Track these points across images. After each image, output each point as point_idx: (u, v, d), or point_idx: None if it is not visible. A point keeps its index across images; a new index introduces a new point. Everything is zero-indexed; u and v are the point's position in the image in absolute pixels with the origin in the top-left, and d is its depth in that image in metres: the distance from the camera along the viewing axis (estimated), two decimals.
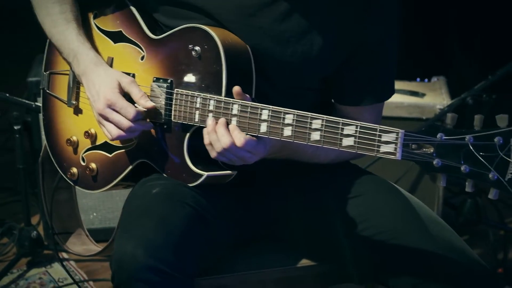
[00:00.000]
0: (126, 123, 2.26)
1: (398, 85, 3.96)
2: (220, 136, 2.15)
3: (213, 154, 2.19)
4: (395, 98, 3.81)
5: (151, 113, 2.31)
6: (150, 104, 2.27)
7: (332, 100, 2.47)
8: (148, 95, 2.32)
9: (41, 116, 3.40)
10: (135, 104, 2.28)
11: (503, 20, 4.98)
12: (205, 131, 2.19)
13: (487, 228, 4.08)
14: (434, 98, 3.96)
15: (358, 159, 2.59)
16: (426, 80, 4.27)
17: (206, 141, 2.19)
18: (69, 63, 2.44)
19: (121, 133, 2.28)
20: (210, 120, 2.18)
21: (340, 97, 2.43)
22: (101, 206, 3.92)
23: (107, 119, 2.29)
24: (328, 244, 2.38)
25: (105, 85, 2.30)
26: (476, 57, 5.04)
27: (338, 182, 2.43)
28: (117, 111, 2.27)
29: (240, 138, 2.12)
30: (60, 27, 2.43)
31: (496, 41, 4.99)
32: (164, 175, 2.34)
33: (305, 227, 2.41)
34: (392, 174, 3.72)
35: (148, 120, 2.31)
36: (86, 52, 2.39)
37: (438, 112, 3.80)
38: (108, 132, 2.30)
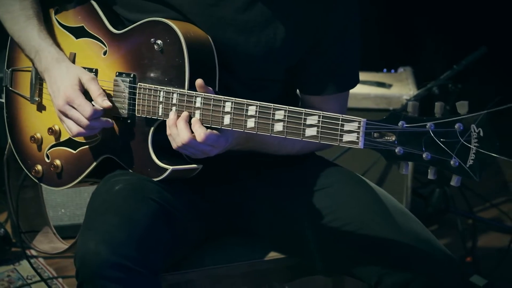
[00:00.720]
0: (84, 121, 2.25)
1: (365, 76, 4.00)
2: (180, 130, 2.15)
3: (174, 146, 2.19)
4: (362, 89, 3.87)
5: (113, 108, 2.30)
6: (106, 103, 2.27)
7: (297, 91, 2.47)
8: (111, 90, 2.32)
9: (4, 113, 3.38)
10: (93, 102, 2.28)
11: (468, 10, 5.02)
12: (167, 123, 2.19)
13: (455, 217, 4.10)
14: (400, 88, 3.98)
15: (326, 151, 2.59)
16: (392, 71, 4.29)
17: (167, 132, 2.19)
18: (31, 60, 2.42)
19: (81, 130, 2.28)
20: (172, 114, 2.18)
21: (304, 86, 2.43)
22: (70, 202, 3.90)
23: (66, 115, 2.29)
24: (295, 237, 2.37)
25: (66, 81, 2.29)
26: (442, 47, 5.08)
27: (304, 175, 2.43)
28: (75, 108, 2.26)
29: (200, 134, 2.12)
30: (21, 24, 2.42)
31: (461, 30, 5.03)
32: (129, 170, 2.33)
33: (271, 220, 2.41)
34: (360, 166, 3.74)
35: (108, 119, 2.30)
36: (48, 48, 2.37)
37: (405, 103, 3.82)
38: (68, 129, 2.30)
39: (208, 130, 2.14)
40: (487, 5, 4.91)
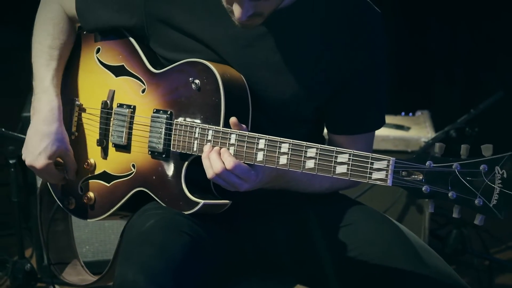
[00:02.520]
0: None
1: None
2: (213, 161, 2.25)
3: (208, 176, 2.28)
4: (382, 131, 3.93)
5: (150, 142, 2.42)
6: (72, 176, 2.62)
7: (325, 131, 2.56)
8: (148, 125, 2.43)
9: None
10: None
11: (486, 55, 5.12)
12: (202, 155, 2.29)
13: (472, 258, 4.17)
14: (418, 131, 4.07)
15: (347, 190, 2.66)
16: (410, 114, 4.39)
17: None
18: (33, 92, 2.60)
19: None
20: (206, 147, 2.28)
21: (332, 126, 2.52)
22: (94, 239, 3.97)
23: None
24: (320, 273, 2.44)
25: (46, 150, 2.54)
26: (458, 91, 5.17)
27: (328, 212, 2.51)
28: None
29: (230, 161, 2.22)
30: (43, 60, 2.58)
31: (479, 75, 5.13)
32: (162, 203, 2.42)
33: (296, 256, 2.48)
34: (379, 206, 3.78)
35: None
36: (51, 98, 2.56)
37: (423, 145, 3.90)
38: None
39: (237, 160, 2.23)
40: (504, 50, 5.00)
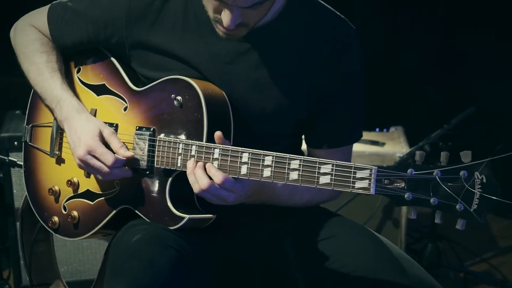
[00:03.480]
0: (106, 169, 2.39)
1: None
2: (198, 178, 2.28)
3: (195, 191, 2.32)
4: (357, 147, 4.00)
5: (133, 160, 2.43)
6: (129, 153, 2.41)
7: (305, 145, 2.61)
8: (131, 143, 2.45)
9: (14, 171, 3.48)
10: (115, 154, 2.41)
11: (455, 71, 5.22)
12: (187, 171, 2.32)
13: (448, 271, 4.23)
14: (393, 146, 4.14)
15: (327, 204, 2.70)
16: (384, 130, 4.45)
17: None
18: (51, 110, 2.56)
19: (101, 178, 2.43)
20: (190, 163, 2.31)
21: (312, 141, 2.58)
22: (72, 259, 3.96)
23: (88, 165, 2.41)
24: (303, 285, 2.47)
25: (86, 132, 2.43)
26: (432, 107, 5.25)
27: (311, 225, 2.55)
28: (97, 158, 2.39)
29: (218, 176, 2.26)
30: (46, 75, 2.57)
31: (451, 91, 5.22)
32: (147, 219, 2.44)
33: (280, 269, 2.51)
34: (355, 220, 3.84)
35: (128, 167, 2.43)
36: (69, 99, 2.52)
37: (398, 160, 3.96)
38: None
39: (225, 174, 2.27)
40: (476, 66, 5.10)
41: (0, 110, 3.99)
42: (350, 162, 2.54)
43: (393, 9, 5.25)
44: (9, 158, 3.43)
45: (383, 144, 4.14)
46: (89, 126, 2.44)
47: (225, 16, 2.24)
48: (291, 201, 2.52)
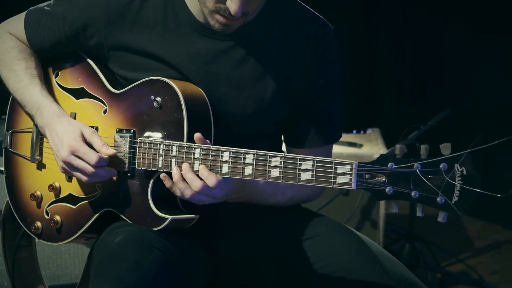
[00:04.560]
0: (90, 169, 2.38)
1: None
2: (191, 181, 2.29)
3: (186, 197, 2.33)
4: (335, 149, 3.98)
5: (115, 162, 2.44)
6: (111, 151, 2.40)
7: (284, 145, 2.63)
8: (111, 146, 2.45)
9: (4, 174, 3.45)
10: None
11: (430, 73, 5.27)
12: (174, 179, 2.32)
13: (426, 272, 4.27)
14: (371, 148, 4.18)
15: (307, 204, 2.72)
16: (362, 132, 4.48)
17: (177, 193, 2.33)
18: (32, 116, 2.55)
19: (87, 179, 2.41)
20: (175, 170, 2.31)
21: (292, 140, 2.59)
22: (51, 263, 3.93)
23: (71, 166, 2.41)
24: (287, 285, 2.49)
25: (68, 134, 2.42)
26: (407, 108, 5.30)
27: (293, 226, 2.56)
28: (80, 158, 2.39)
29: (212, 179, 2.27)
30: (25, 81, 2.56)
31: (427, 92, 5.28)
32: (129, 221, 2.44)
33: (264, 269, 2.53)
34: None
35: (112, 168, 2.43)
36: (49, 104, 2.51)
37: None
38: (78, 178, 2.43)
39: (217, 175, 2.28)
40: (450, 67, 5.16)
41: None
42: None
43: (367, 13, 5.29)
44: None
45: (361, 145, 4.19)
46: (70, 128, 2.44)
47: (234, 3, 2.24)
48: (272, 199, 2.53)
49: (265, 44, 2.45)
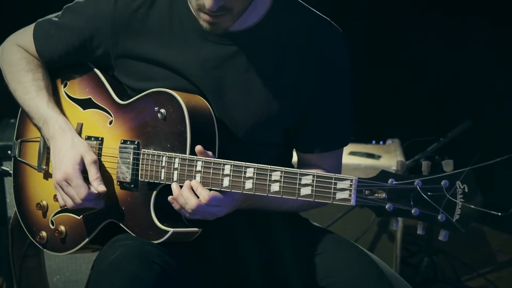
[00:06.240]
0: (78, 200, 2.41)
1: (355, 147, 4.14)
2: (187, 199, 2.28)
3: (186, 215, 2.33)
4: (353, 160, 4.00)
5: (118, 173, 2.43)
6: (102, 188, 2.41)
7: (294, 150, 2.60)
8: (116, 157, 2.44)
9: (7, 180, 3.47)
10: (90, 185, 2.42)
11: (455, 84, 5.22)
12: (174, 196, 2.31)
13: (444, 286, 4.20)
14: (389, 159, 4.11)
15: (318, 219, 2.68)
16: (381, 142, 4.43)
17: (176, 207, 2.32)
18: (39, 128, 2.56)
19: (72, 205, 2.44)
20: (174, 186, 2.31)
21: (301, 146, 2.56)
22: (65, 268, 3.92)
23: (61, 190, 2.44)
24: None
25: (68, 158, 2.44)
26: (429, 120, 5.24)
27: (300, 241, 2.52)
28: (72, 186, 2.41)
29: (204, 196, 2.26)
30: (32, 93, 2.57)
31: (448, 103, 5.22)
32: (132, 233, 2.43)
33: (267, 285, 2.50)
34: (350, 234, 3.84)
35: (100, 201, 2.45)
36: (55, 117, 2.52)
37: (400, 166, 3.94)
38: (62, 200, 2.45)
39: (211, 191, 2.26)
40: (471, 79, 5.10)
41: None
42: (340, 164, 2.59)
43: (393, 25, 5.25)
44: (2, 167, 3.43)
45: (379, 157, 4.13)
46: (72, 152, 2.45)
47: None
48: (284, 205, 2.50)
49: (272, 48, 2.42)
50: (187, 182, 2.29)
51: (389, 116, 5.25)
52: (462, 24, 5.10)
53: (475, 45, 5.07)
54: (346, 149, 3.52)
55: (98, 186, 2.40)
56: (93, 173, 2.42)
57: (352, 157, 2.59)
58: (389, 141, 4.45)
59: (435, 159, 4.00)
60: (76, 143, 2.47)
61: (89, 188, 2.40)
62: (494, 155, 3.07)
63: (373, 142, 4.43)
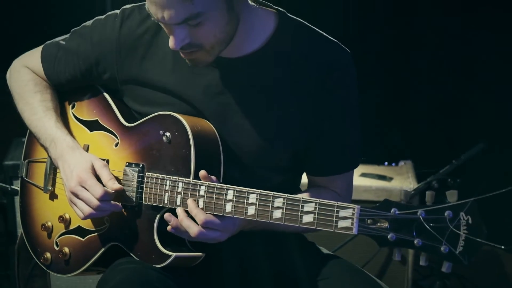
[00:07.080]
0: (95, 201, 2.37)
1: (367, 169, 4.11)
2: (188, 228, 2.27)
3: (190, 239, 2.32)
4: (364, 181, 3.97)
5: (123, 196, 2.42)
6: (117, 186, 2.40)
7: (304, 178, 2.58)
8: (120, 179, 2.44)
9: (16, 199, 3.48)
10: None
11: (468, 107, 5.18)
12: (170, 228, 2.31)
13: None
14: (401, 181, 4.08)
15: (326, 242, 2.66)
16: (393, 164, 4.40)
17: (176, 233, 2.31)
18: (46, 148, 2.56)
19: (91, 211, 2.39)
20: (179, 210, 2.30)
21: (310, 169, 2.54)
22: None
23: (77, 196, 2.40)
24: None
25: (79, 165, 2.43)
26: (442, 142, 5.21)
27: (305, 265, 2.50)
28: (86, 189, 2.38)
29: (200, 217, 2.25)
30: (40, 114, 2.58)
31: (461, 126, 5.18)
32: (135, 257, 2.42)
33: None
34: (361, 256, 3.81)
35: (117, 202, 2.41)
36: (63, 137, 2.52)
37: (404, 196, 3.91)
38: (80, 210, 2.41)
39: (207, 214, 2.25)
40: (485, 102, 5.07)
41: (8, 137, 4.01)
42: (351, 186, 2.57)
43: (404, 45, 5.23)
44: (12, 186, 3.43)
45: (390, 179, 4.10)
46: (81, 160, 2.45)
47: (170, 39, 2.24)
48: (291, 227, 2.45)
49: (277, 71, 2.39)
50: (181, 213, 2.29)
51: (402, 137, 5.22)
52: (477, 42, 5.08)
53: (492, 65, 5.04)
54: (358, 171, 3.50)
55: (113, 185, 2.39)
56: (105, 175, 2.41)
57: (364, 178, 2.56)
58: (401, 163, 4.42)
59: (448, 181, 3.97)
60: (84, 155, 2.48)
61: (104, 187, 2.39)
62: (507, 181, 3.05)
63: (385, 163, 4.40)
